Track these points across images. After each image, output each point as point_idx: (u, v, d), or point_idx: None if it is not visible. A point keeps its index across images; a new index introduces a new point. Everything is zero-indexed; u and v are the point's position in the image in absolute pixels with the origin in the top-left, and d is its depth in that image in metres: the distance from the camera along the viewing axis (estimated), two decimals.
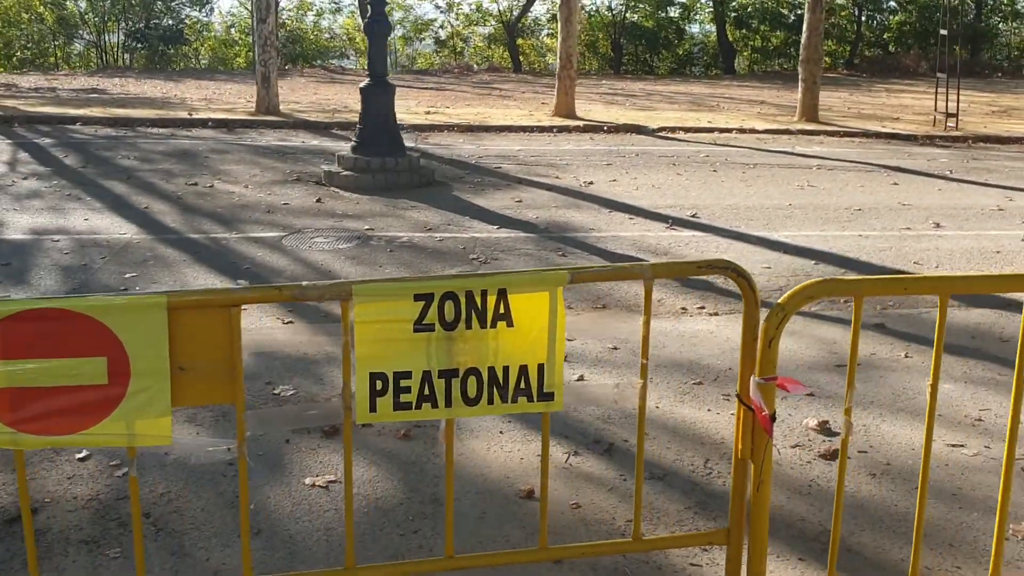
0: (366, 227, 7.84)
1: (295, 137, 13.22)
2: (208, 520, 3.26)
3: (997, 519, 2.48)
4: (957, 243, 7.65)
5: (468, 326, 2.11)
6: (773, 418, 2.14)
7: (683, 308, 5.89)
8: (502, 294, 2.11)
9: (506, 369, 2.16)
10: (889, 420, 4.15)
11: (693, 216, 8.52)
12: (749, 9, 32.74)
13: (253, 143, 12.53)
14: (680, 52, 33.58)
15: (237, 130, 13.74)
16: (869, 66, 32.78)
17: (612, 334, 5.33)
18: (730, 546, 2.34)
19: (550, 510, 3.39)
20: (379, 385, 2.10)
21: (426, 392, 2.12)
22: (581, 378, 4.67)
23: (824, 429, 4.04)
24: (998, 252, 7.36)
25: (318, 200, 8.85)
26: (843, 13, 33.96)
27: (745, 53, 33.73)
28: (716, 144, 13.31)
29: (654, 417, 4.20)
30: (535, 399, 2.20)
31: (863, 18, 34.04)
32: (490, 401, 2.17)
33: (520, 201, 9.06)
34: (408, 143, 12.46)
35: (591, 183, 10.08)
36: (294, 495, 3.45)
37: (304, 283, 2.06)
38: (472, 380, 2.14)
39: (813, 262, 7.02)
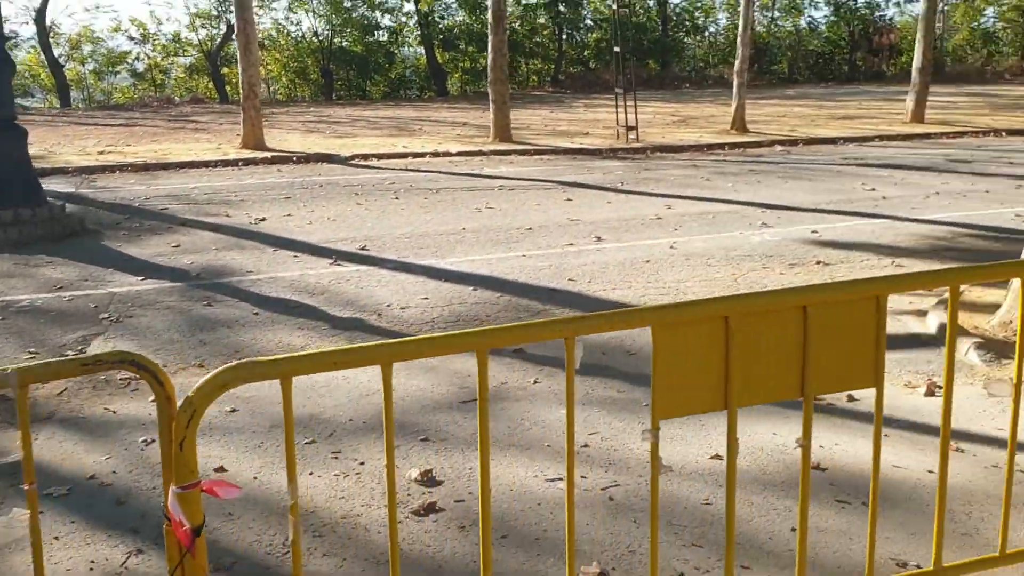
0: None
1: None
2: None
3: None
4: (613, 255, 7.87)
5: None
6: (198, 532, 1.80)
7: None
8: None
9: None
10: (497, 458, 4.00)
11: (363, 249, 8.23)
12: (455, 31, 33.39)
13: None
14: (392, 76, 33.65)
15: None
16: (572, 82, 34.44)
17: (237, 393, 4.87)
18: None
19: None
20: None
21: None
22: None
23: (427, 479, 3.82)
24: (648, 261, 7.64)
25: None
26: (545, 32, 35.50)
27: (456, 75, 34.36)
28: (407, 170, 13.19)
29: (249, 490, 3.79)
30: None
31: (564, 36, 35.75)
32: None
33: (178, 246, 8.38)
34: (69, 188, 11.36)
35: (263, 219, 9.56)
36: None
37: None
38: None
39: (472, 288, 6.93)
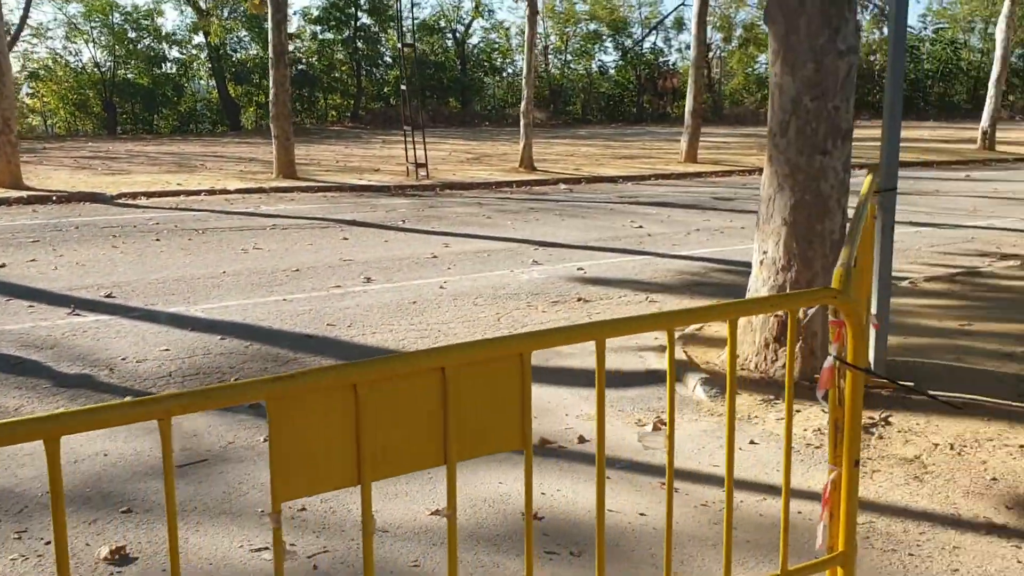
0: None
1: None
2: None
3: None
4: (379, 297, 7.70)
5: None
6: None
7: None
8: None
9: None
10: (205, 527, 3.70)
11: (108, 296, 7.65)
12: (249, 65, 32.52)
13: None
14: (182, 110, 32.33)
15: None
16: (373, 118, 34.33)
17: None
18: None
19: None
20: None
21: None
22: None
23: (119, 557, 3.46)
24: (414, 303, 7.51)
25: None
26: (343, 67, 35.21)
27: (251, 109, 33.44)
28: (178, 209, 12.54)
29: None
30: None
31: (363, 72, 35.58)
32: None
33: None
34: None
35: (2, 266, 8.74)
36: None
37: None
38: None
39: (219, 337, 6.54)
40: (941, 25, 49.04)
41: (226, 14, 32.61)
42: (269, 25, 15.42)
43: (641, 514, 3.72)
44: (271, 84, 15.50)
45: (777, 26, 5.06)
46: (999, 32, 23.31)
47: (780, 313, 5.17)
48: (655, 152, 22.57)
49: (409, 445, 2.06)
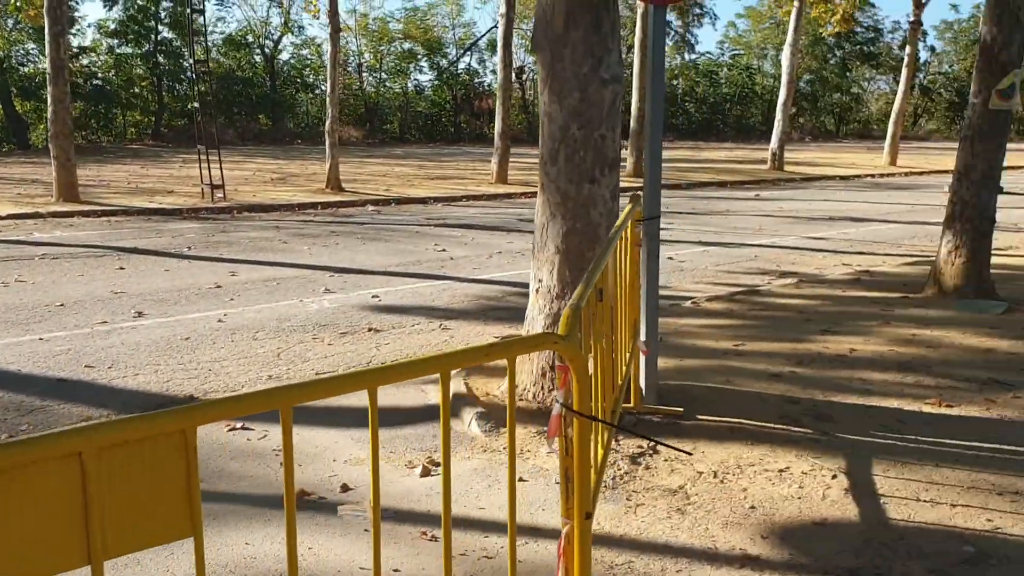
0: None
1: None
2: None
3: None
4: (149, 333, 7.14)
5: None
6: None
7: None
8: None
9: None
10: None
11: None
12: (38, 79, 30.30)
13: None
14: None
15: None
16: (176, 136, 32.75)
17: None
18: None
19: None
20: None
21: None
22: None
23: None
24: (187, 339, 7.01)
25: None
26: (144, 83, 33.45)
27: (41, 126, 31.15)
28: None
29: None
30: None
31: (164, 88, 33.91)
32: None
33: None
34: None
35: None
36: None
37: None
38: None
39: None
40: (737, 52, 52.18)
41: (11, 24, 30.28)
42: (47, 39, 14.30)
43: (395, 570, 3.49)
44: (49, 102, 14.37)
45: (544, 54, 5.00)
46: (784, 59, 24.90)
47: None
48: (468, 173, 22.62)
49: (45, 544, 1.74)
